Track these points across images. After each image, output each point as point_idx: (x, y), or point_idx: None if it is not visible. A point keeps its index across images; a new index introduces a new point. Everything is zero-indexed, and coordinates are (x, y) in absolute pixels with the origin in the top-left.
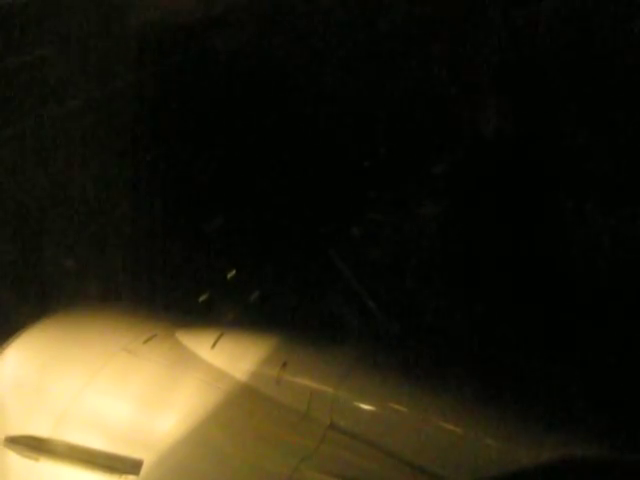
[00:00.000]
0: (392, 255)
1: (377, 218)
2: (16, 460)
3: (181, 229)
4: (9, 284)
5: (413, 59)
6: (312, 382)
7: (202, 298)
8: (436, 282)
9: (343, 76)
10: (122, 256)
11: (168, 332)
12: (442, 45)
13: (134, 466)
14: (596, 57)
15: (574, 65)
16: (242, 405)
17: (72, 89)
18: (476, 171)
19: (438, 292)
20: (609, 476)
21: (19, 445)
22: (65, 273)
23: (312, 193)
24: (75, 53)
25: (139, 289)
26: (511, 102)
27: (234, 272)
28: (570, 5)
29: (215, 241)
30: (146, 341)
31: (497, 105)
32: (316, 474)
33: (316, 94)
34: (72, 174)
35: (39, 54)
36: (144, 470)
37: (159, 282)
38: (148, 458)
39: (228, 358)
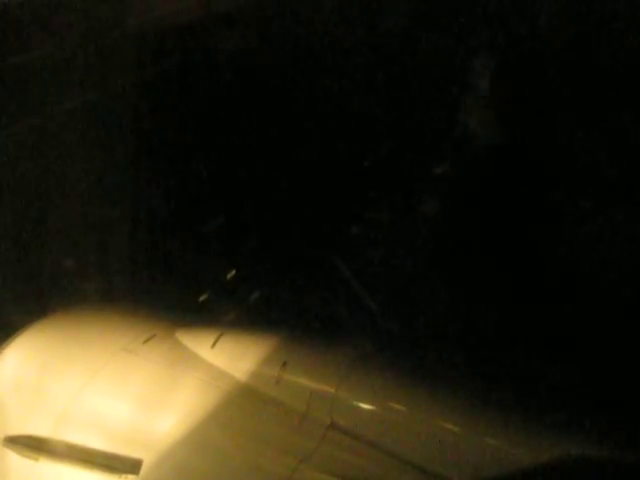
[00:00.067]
0: (392, 255)
1: (377, 218)
2: (16, 460)
3: (181, 229)
4: (9, 284)
5: (413, 59)
6: (312, 382)
7: (202, 298)
8: (436, 282)
9: (343, 76)
10: (122, 256)
11: (168, 332)
12: (442, 45)
13: (134, 466)
14: (596, 57)
15: (574, 65)
16: (242, 405)
17: (72, 89)
18: (476, 171)
19: (438, 292)
20: (609, 476)
21: (19, 445)
22: (65, 273)
23: (312, 193)
24: (75, 53)
25: (139, 289)
26: (511, 102)
27: (234, 272)
28: (570, 5)
29: (215, 241)
30: (146, 341)
31: (497, 105)
32: (316, 474)
33: (316, 94)
34: (72, 174)
35: (38, 54)
36: (144, 470)
37: (159, 282)
38: (148, 458)
39: (228, 358)
